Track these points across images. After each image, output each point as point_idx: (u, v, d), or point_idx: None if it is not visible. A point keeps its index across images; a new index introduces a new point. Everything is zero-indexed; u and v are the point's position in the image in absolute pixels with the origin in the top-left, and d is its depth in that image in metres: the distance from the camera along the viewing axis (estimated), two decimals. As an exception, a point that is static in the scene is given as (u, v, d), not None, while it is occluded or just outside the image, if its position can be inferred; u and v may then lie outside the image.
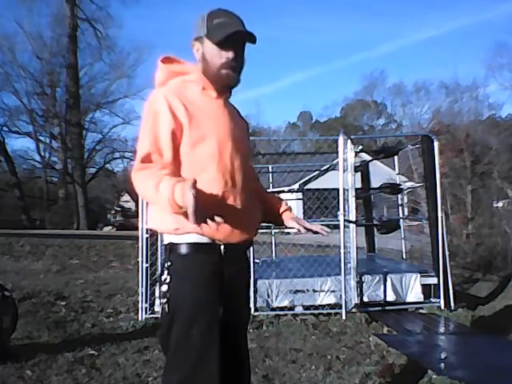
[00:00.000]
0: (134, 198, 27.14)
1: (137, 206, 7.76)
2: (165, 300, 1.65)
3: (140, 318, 4.88)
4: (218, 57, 1.68)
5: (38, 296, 5.76)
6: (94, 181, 34.14)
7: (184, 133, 1.65)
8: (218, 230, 1.59)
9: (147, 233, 5.14)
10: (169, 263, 1.69)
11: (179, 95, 1.68)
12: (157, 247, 5.53)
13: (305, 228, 1.91)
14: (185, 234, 1.65)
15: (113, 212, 40.15)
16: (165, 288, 1.66)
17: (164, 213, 1.60)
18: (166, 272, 1.68)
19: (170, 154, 1.64)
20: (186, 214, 1.44)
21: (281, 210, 1.96)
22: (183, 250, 1.67)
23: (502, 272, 8.59)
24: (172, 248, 1.69)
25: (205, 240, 1.66)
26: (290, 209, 2.00)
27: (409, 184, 8.12)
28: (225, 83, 1.73)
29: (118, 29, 46.02)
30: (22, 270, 7.90)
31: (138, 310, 4.98)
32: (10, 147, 31.50)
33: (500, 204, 16.22)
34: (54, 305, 5.42)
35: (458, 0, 64.92)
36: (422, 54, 65.10)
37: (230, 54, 1.68)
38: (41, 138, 31.47)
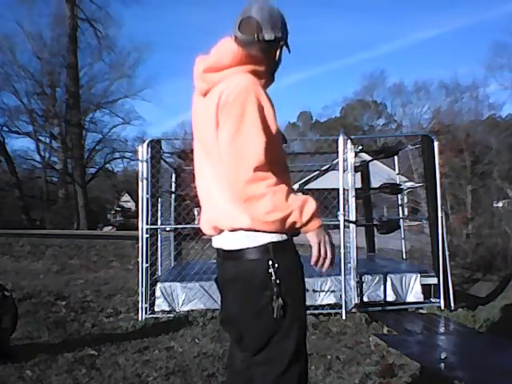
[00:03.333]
0: (134, 198, 27.14)
1: (137, 206, 7.77)
2: (280, 304, 1.57)
3: (140, 318, 4.88)
4: (280, 59, 1.80)
5: (38, 296, 5.76)
6: (94, 181, 34.13)
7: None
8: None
9: (147, 233, 5.14)
10: (276, 265, 1.58)
11: (262, 87, 1.65)
12: (157, 247, 5.54)
13: None
14: (282, 232, 1.60)
15: (113, 212, 40.16)
16: (276, 290, 1.57)
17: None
18: (274, 274, 1.57)
19: (276, 150, 1.63)
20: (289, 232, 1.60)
21: None
22: (287, 247, 1.63)
23: (502, 272, 8.59)
24: (275, 247, 1.60)
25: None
26: None
27: (409, 184, 8.12)
28: (272, 82, 1.81)
29: (117, 29, 45.85)
30: (22, 270, 7.90)
31: (137, 309, 4.98)
32: (10, 147, 31.52)
33: (500, 204, 16.23)
34: (53, 305, 5.42)
35: (458, 0, 64.94)
36: (422, 54, 65.20)
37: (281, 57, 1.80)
38: (41, 137, 31.52)
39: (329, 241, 1.59)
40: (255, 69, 1.65)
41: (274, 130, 1.59)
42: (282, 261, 1.59)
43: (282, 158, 1.70)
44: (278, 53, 1.75)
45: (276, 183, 1.53)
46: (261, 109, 1.57)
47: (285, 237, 1.61)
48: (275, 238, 1.59)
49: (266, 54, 1.70)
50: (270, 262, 1.57)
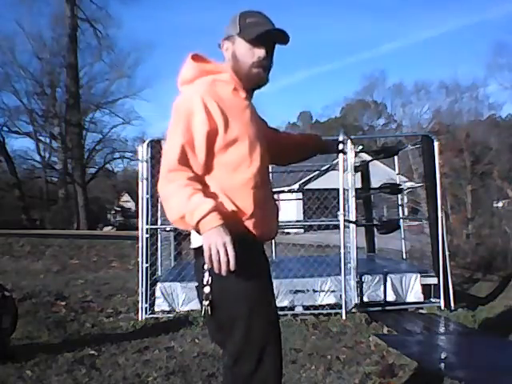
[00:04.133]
0: (134, 198, 27.14)
1: (137, 206, 7.77)
2: (207, 302, 1.63)
3: (140, 318, 4.88)
4: (250, 55, 1.69)
5: (38, 296, 5.75)
6: (94, 181, 34.12)
7: (218, 134, 1.65)
8: (256, 229, 1.68)
9: (147, 233, 5.14)
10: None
11: (214, 95, 1.66)
12: (157, 247, 5.54)
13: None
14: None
15: (113, 212, 40.14)
16: (207, 290, 1.64)
17: None
18: (207, 274, 1.63)
19: (204, 155, 1.64)
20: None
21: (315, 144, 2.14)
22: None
23: (502, 272, 8.60)
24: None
25: (246, 236, 1.67)
26: (320, 141, 2.17)
27: (409, 184, 8.13)
28: (255, 82, 1.75)
29: (117, 29, 45.95)
30: (22, 270, 7.90)
31: (137, 309, 4.98)
32: (10, 147, 31.47)
33: (500, 204, 16.23)
34: (53, 305, 5.41)
35: (458, 0, 64.92)
36: (422, 54, 65.21)
37: (262, 53, 1.69)
38: (41, 137, 31.49)
39: (222, 243, 1.49)
40: (214, 78, 1.73)
41: (200, 133, 1.62)
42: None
43: (225, 162, 1.67)
44: (240, 48, 1.71)
45: (182, 185, 1.58)
46: (188, 117, 1.64)
47: (237, 234, 1.62)
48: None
49: (235, 56, 1.72)
50: (203, 263, 1.60)
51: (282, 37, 1.71)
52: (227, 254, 1.50)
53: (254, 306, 1.65)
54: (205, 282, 1.64)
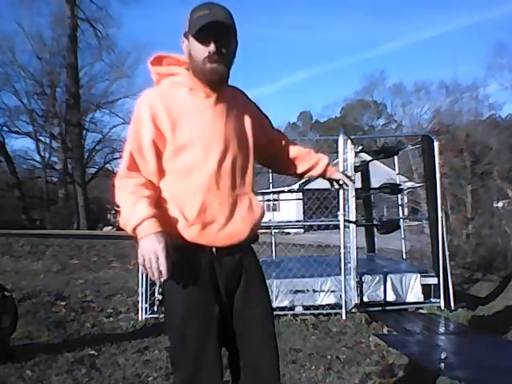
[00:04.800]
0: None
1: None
2: (159, 300, 1.70)
3: (140, 318, 4.88)
4: (201, 51, 1.60)
5: (38, 296, 5.75)
6: (94, 181, 34.09)
7: (167, 141, 1.62)
8: (201, 236, 1.63)
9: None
10: None
11: (164, 100, 1.64)
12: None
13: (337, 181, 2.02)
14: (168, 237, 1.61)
15: (113, 212, 40.10)
16: (160, 290, 1.70)
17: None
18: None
19: (154, 162, 1.63)
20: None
21: (319, 166, 1.99)
22: (175, 251, 1.62)
23: (502, 272, 8.59)
24: None
25: (186, 244, 1.65)
26: (327, 164, 2.00)
27: (409, 184, 8.13)
28: (210, 78, 1.63)
29: (117, 29, 45.87)
30: (22, 270, 7.90)
31: (138, 310, 4.98)
32: (10, 147, 31.47)
33: (500, 204, 16.23)
34: (53, 305, 5.41)
35: (458, 0, 64.93)
36: (422, 54, 65.19)
37: (212, 47, 1.59)
38: (41, 137, 31.50)
39: (153, 252, 1.51)
40: (171, 80, 1.70)
41: (146, 141, 1.62)
42: None
43: (178, 166, 1.65)
44: (193, 45, 1.63)
45: (129, 193, 1.60)
46: (137, 125, 1.66)
47: (177, 241, 1.61)
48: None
49: (190, 54, 1.66)
50: None
51: (224, 26, 1.59)
52: (157, 263, 1.50)
53: (188, 314, 1.63)
54: (159, 286, 1.68)
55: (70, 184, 30.64)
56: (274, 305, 5.09)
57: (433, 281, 5.38)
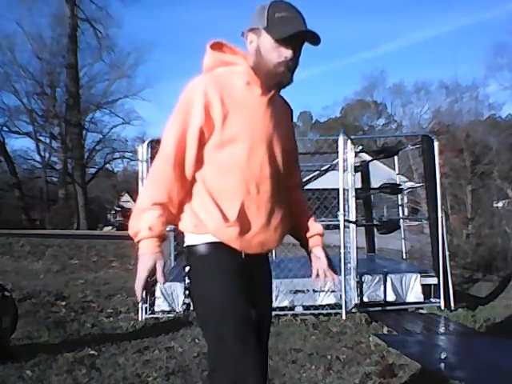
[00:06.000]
0: (134, 198, 27.13)
1: (137, 206, 7.73)
2: (186, 303, 1.64)
3: (140, 318, 4.88)
4: (276, 54, 1.54)
5: (38, 296, 5.75)
6: (94, 181, 34.12)
7: (215, 131, 1.55)
8: (236, 240, 1.57)
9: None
10: (188, 267, 1.63)
11: (220, 88, 1.56)
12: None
13: (317, 273, 1.80)
14: (203, 234, 1.59)
15: (113, 212, 40.14)
16: (187, 293, 1.63)
17: (185, 210, 1.62)
18: (186, 277, 1.63)
19: (194, 152, 1.57)
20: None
21: (308, 234, 1.83)
22: (202, 249, 1.60)
23: (502, 272, 8.60)
24: (190, 250, 1.63)
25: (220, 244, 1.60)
26: (320, 235, 1.85)
27: (409, 184, 8.12)
28: (278, 81, 1.59)
29: (117, 29, 45.97)
30: (22, 270, 7.89)
31: (138, 310, 4.98)
32: (10, 147, 31.47)
33: (500, 204, 16.23)
34: (53, 305, 5.41)
35: (458, 0, 64.90)
36: (422, 54, 65.07)
37: (289, 53, 1.54)
38: (41, 137, 31.46)
39: (146, 267, 1.55)
40: (230, 70, 1.63)
41: (194, 126, 1.55)
42: (192, 263, 1.62)
43: (223, 163, 1.58)
44: (266, 45, 1.56)
45: (155, 184, 1.60)
46: (187, 107, 1.57)
47: (201, 239, 1.60)
48: (194, 240, 1.62)
49: (259, 51, 1.58)
50: (186, 264, 1.64)
51: (313, 38, 1.57)
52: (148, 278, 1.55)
53: (221, 312, 1.55)
54: (186, 285, 1.64)
55: (70, 184, 30.63)
56: (274, 305, 5.10)
57: (433, 281, 5.39)
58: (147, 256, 1.55)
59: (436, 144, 5.51)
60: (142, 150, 5.22)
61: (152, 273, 1.55)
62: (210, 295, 1.57)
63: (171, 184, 1.57)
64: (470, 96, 26.05)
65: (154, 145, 5.36)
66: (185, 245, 1.66)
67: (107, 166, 34.55)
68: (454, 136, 17.28)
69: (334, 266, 1.82)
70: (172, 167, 1.57)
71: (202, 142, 1.57)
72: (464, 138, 17.31)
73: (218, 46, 1.66)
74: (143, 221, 1.56)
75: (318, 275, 1.79)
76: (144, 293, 1.55)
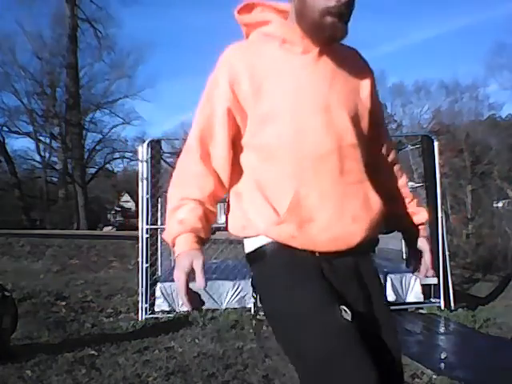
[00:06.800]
0: (134, 198, 27.16)
1: (137, 206, 7.77)
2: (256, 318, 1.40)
3: (140, 318, 4.88)
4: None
5: (38, 296, 5.75)
6: (94, 181, 34.12)
7: (247, 109, 1.25)
8: (294, 238, 1.23)
9: (147, 233, 5.14)
10: (251, 279, 1.36)
11: (249, 56, 1.27)
12: (157, 247, 5.54)
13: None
14: (256, 236, 1.28)
15: (113, 212, 40.16)
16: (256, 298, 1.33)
17: (232, 209, 1.34)
18: (252, 284, 1.35)
19: (225, 140, 1.28)
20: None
21: (411, 223, 1.48)
22: (259, 256, 1.28)
23: (502, 272, 8.59)
24: (248, 259, 1.33)
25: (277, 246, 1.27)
26: (424, 223, 1.48)
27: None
28: (327, 34, 1.23)
29: (117, 29, 45.98)
30: (22, 270, 7.89)
31: (138, 310, 4.98)
32: (10, 147, 31.44)
33: (500, 204, 16.23)
34: (54, 305, 5.41)
35: (458, 0, 64.93)
36: (422, 54, 65.03)
37: None
38: (41, 138, 31.44)
39: (177, 279, 1.19)
40: (261, 32, 1.33)
41: (219, 109, 1.27)
42: (255, 270, 1.33)
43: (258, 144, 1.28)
44: None
45: (189, 174, 1.30)
46: (211, 84, 1.31)
47: (256, 243, 1.29)
48: (250, 246, 1.31)
49: (304, 2, 1.23)
50: (251, 270, 1.36)
51: None
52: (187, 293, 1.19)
53: (301, 324, 1.19)
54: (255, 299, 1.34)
55: (70, 184, 30.63)
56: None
57: (433, 281, 5.38)
58: (182, 256, 1.22)
59: (436, 144, 5.51)
60: (142, 150, 5.22)
61: (191, 275, 1.20)
62: (281, 310, 1.23)
63: (202, 179, 1.28)
64: (469, 96, 26.11)
65: (154, 145, 5.37)
66: (246, 251, 1.34)
67: (107, 166, 34.58)
68: (454, 136, 17.30)
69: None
70: (199, 159, 1.28)
71: (233, 127, 1.28)
72: (464, 138, 17.33)
73: (247, 9, 1.35)
74: (174, 219, 1.26)
75: (418, 270, 1.45)
76: (192, 299, 1.21)
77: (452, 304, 5.23)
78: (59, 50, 29.81)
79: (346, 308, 1.17)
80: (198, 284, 1.18)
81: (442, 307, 5.21)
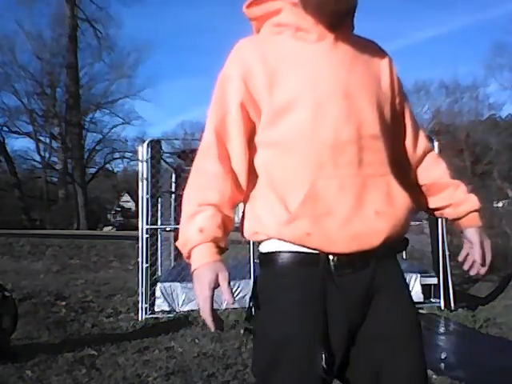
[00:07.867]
0: (134, 198, 27.17)
1: (137, 206, 7.77)
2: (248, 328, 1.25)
3: (140, 318, 4.88)
4: None
5: (38, 296, 5.75)
6: (94, 181, 34.17)
7: (262, 103, 1.18)
8: (309, 236, 1.12)
9: (147, 233, 5.14)
10: (253, 284, 1.26)
11: (262, 47, 1.20)
12: (157, 247, 5.54)
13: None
14: (267, 239, 1.20)
15: (113, 212, 40.18)
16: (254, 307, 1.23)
17: (246, 213, 1.25)
18: (253, 290, 1.25)
19: (240, 137, 1.20)
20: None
21: (457, 212, 1.34)
22: (266, 263, 1.22)
23: (502, 272, 8.59)
24: (260, 259, 1.26)
25: (299, 249, 1.15)
26: (476, 211, 1.33)
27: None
28: (334, 7, 1.14)
29: (117, 29, 46.01)
30: (22, 270, 7.89)
31: (137, 310, 4.98)
32: (10, 147, 31.52)
33: (500, 204, 16.24)
34: (54, 305, 5.42)
35: (458, 0, 64.93)
36: (422, 54, 65.13)
37: None
38: (41, 138, 31.52)
39: (206, 285, 1.10)
40: (271, 23, 1.25)
41: (232, 104, 1.20)
42: (260, 276, 1.26)
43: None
44: None
45: (191, 195, 1.21)
46: (223, 80, 1.24)
47: (266, 247, 1.21)
48: (262, 247, 1.24)
49: None
50: (259, 269, 1.28)
51: None
52: (212, 315, 1.09)
53: (280, 356, 1.13)
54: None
55: (70, 184, 30.66)
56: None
57: (433, 281, 5.39)
58: (203, 268, 1.11)
59: (436, 144, 5.50)
60: (142, 150, 5.22)
61: (214, 287, 1.10)
62: (264, 325, 1.17)
63: (220, 181, 1.18)
64: (469, 96, 26.11)
65: (154, 145, 5.37)
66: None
67: (107, 166, 34.64)
68: (454, 136, 17.31)
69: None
70: (216, 159, 1.19)
71: (248, 123, 1.21)
72: (464, 138, 17.34)
73: (256, 3, 1.27)
74: (191, 226, 1.15)
75: (470, 266, 1.32)
76: (216, 319, 1.10)
77: (452, 304, 5.23)
78: (59, 50, 29.89)
79: (327, 355, 1.10)
80: (227, 300, 1.08)
81: (442, 307, 5.21)
